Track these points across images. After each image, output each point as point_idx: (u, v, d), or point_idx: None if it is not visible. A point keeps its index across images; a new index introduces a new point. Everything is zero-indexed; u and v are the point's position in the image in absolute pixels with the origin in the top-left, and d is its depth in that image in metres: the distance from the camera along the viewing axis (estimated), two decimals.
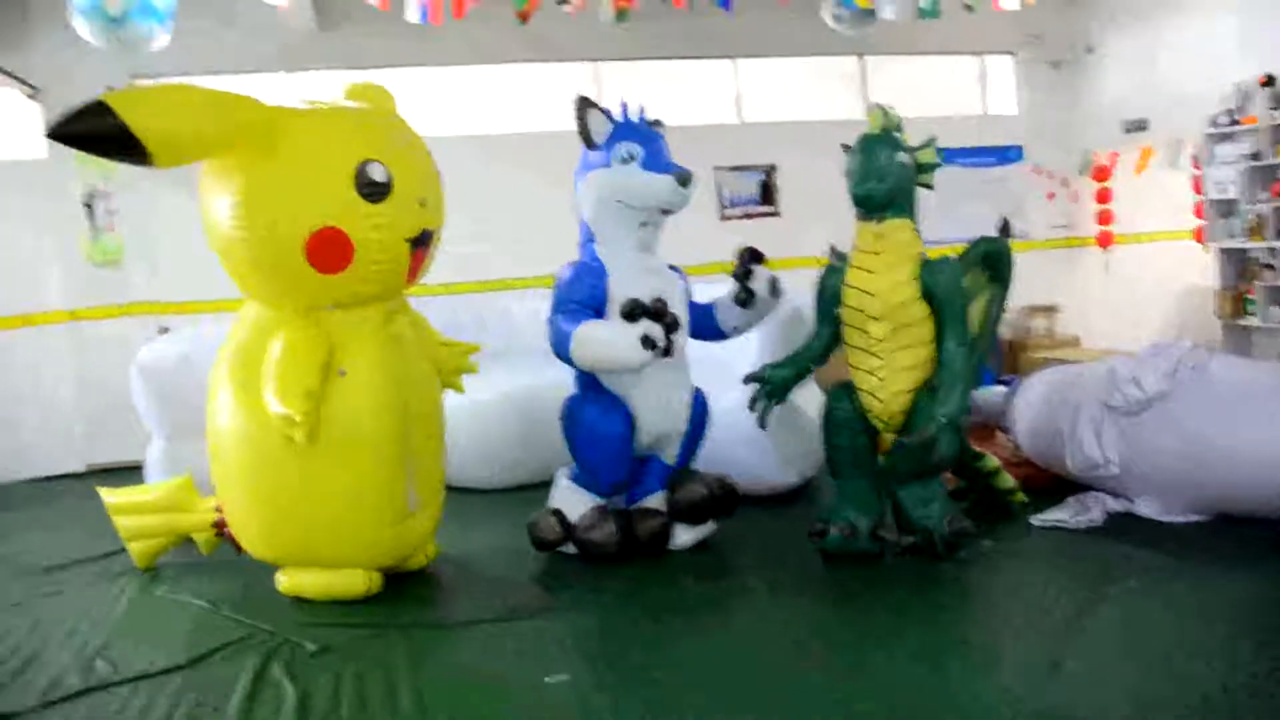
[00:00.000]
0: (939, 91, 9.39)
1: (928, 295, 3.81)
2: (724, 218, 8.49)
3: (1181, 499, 4.12)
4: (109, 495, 4.50)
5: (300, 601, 3.88)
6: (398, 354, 3.77)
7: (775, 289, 4.18)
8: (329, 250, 3.48)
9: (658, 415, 4.15)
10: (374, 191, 3.50)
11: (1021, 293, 8.67)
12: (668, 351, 3.88)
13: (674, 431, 4.21)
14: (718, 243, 8.23)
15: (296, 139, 3.51)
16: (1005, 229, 4.22)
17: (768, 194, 8.57)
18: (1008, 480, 4.52)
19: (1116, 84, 8.86)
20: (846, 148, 3.96)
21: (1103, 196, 8.99)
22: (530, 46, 7.78)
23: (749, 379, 4.18)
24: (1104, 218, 8.98)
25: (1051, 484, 4.61)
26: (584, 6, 6.17)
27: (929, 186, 3.97)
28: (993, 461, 4.51)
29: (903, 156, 3.85)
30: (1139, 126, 8.53)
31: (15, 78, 6.74)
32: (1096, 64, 9.09)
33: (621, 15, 6.36)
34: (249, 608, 3.86)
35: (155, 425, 5.08)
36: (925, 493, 3.91)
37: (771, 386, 4.13)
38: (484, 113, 8.19)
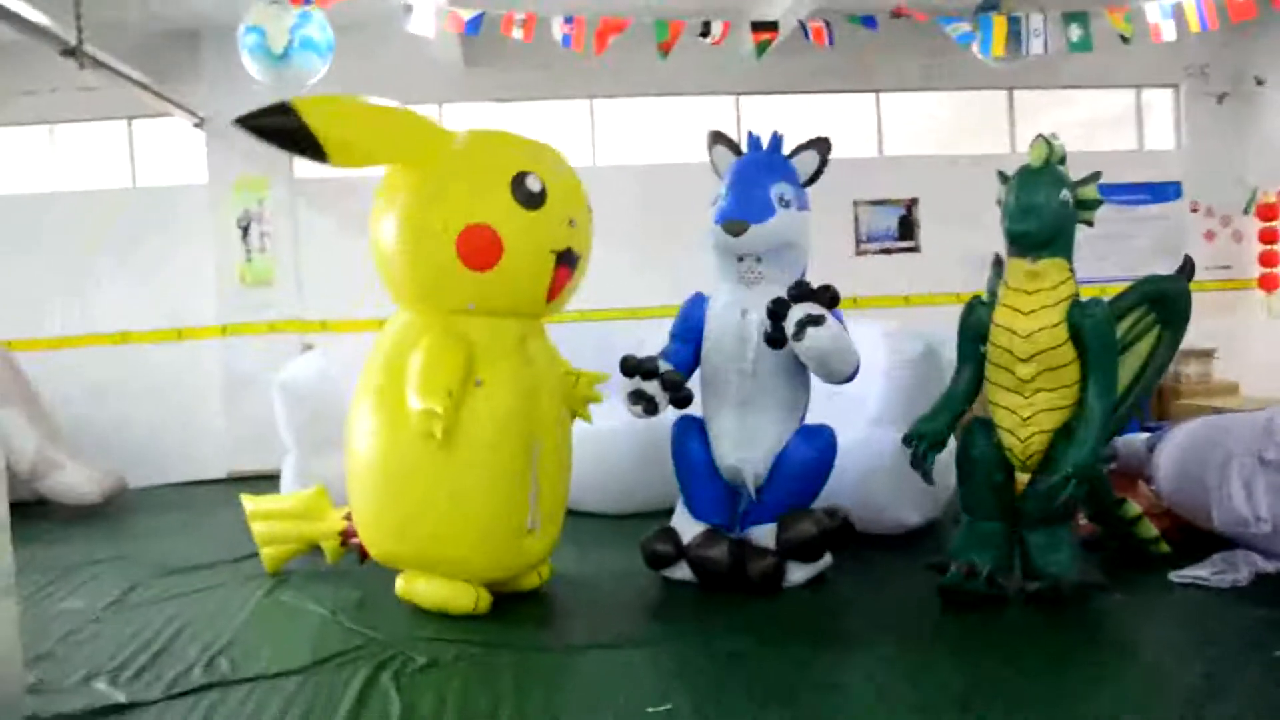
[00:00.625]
0: (1092, 126, 9.05)
1: (1075, 337, 3.68)
2: (860, 252, 8.35)
3: None
4: (248, 501, 4.72)
5: (414, 614, 3.95)
6: (531, 372, 3.89)
7: (800, 332, 3.80)
8: (479, 246, 3.70)
9: (730, 447, 4.13)
10: (529, 199, 3.74)
11: None
12: (652, 409, 4.05)
13: (751, 470, 4.11)
14: (853, 276, 8.15)
15: (462, 149, 3.86)
16: (1186, 268, 4.00)
17: (907, 229, 8.39)
18: (1150, 529, 4.29)
19: None
20: (1003, 176, 3.85)
21: (1268, 236, 8.49)
22: (672, 80, 7.86)
23: (906, 440, 4.05)
24: (1269, 259, 8.47)
25: (1194, 539, 4.32)
26: (723, 41, 6.17)
27: (1089, 224, 3.81)
28: (1134, 508, 4.30)
29: (1064, 193, 3.70)
30: None
31: (183, 108, 7.19)
32: (1265, 97, 8.60)
33: (762, 49, 6.35)
34: (365, 617, 3.96)
35: (292, 440, 5.29)
36: (1053, 539, 3.79)
37: (929, 441, 3.99)
38: (626, 143, 8.30)
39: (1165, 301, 3.93)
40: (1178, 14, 6.31)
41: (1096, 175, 3.81)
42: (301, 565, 4.70)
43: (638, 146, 8.27)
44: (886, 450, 4.61)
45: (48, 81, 7.24)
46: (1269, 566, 3.97)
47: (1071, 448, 3.62)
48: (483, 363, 3.76)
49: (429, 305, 3.91)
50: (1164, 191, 8.71)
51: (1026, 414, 3.77)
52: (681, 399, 4.13)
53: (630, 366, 4.10)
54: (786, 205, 4.10)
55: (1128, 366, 3.92)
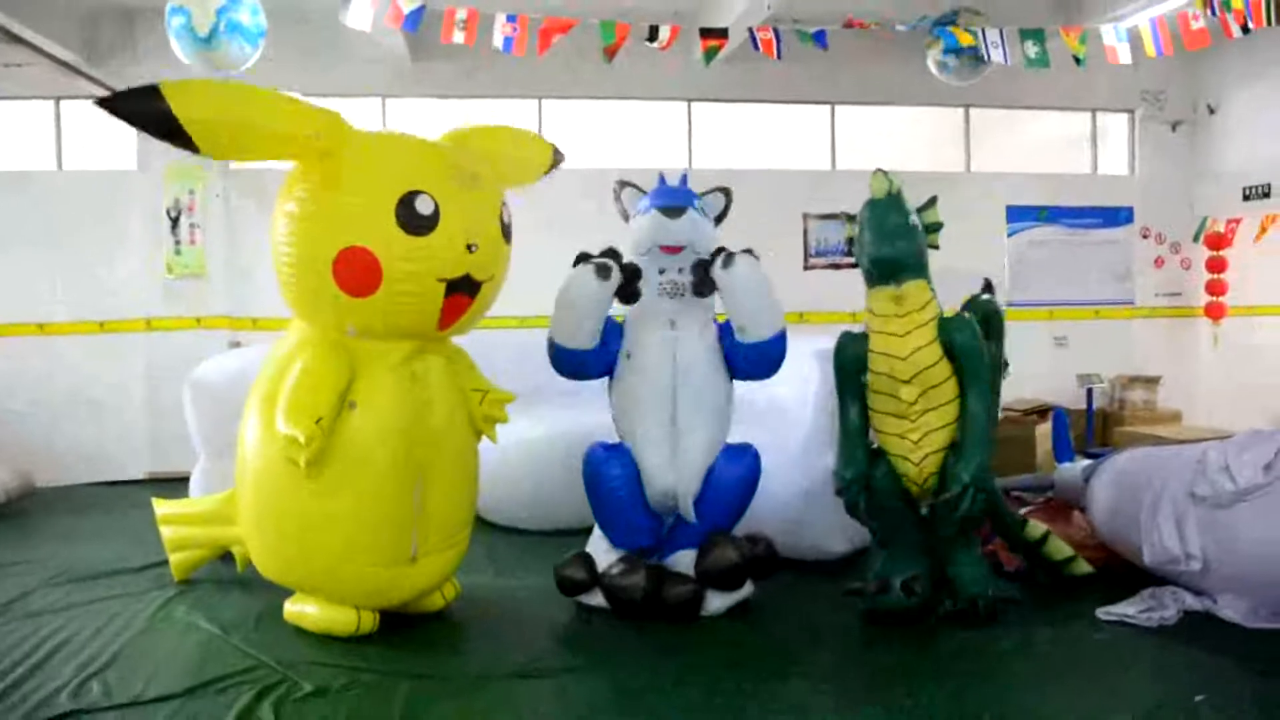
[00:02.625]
0: (1047, 148, 9.03)
1: (948, 353, 3.80)
2: (808, 266, 8.23)
3: (1269, 602, 3.71)
4: (159, 505, 4.56)
5: (310, 635, 3.76)
6: (414, 394, 3.64)
7: (729, 260, 3.94)
8: (356, 271, 3.43)
9: (661, 470, 3.98)
10: (414, 223, 3.43)
11: (1121, 361, 8.34)
12: (606, 273, 3.92)
13: (687, 490, 3.99)
14: (800, 292, 8.05)
15: (352, 158, 3.53)
16: (988, 287, 4.18)
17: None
18: (1062, 548, 4.24)
19: (1239, 147, 8.39)
20: (848, 216, 4.09)
21: (1216, 265, 8.49)
22: (624, 84, 7.72)
23: (839, 492, 4.01)
24: (1216, 288, 8.47)
25: (1125, 572, 4.23)
26: (669, 46, 6.01)
27: (935, 247, 3.96)
28: (1038, 529, 4.25)
29: (913, 218, 3.86)
30: (1261, 193, 8.03)
31: (112, 90, 6.90)
32: (1218, 125, 8.61)
33: (710, 56, 6.20)
34: (258, 637, 3.77)
35: (200, 442, 5.04)
36: (966, 558, 3.91)
37: (857, 485, 3.94)
38: (574, 146, 8.11)
39: (986, 319, 4.05)
40: (1134, 39, 6.27)
41: (934, 200, 3.98)
42: (207, 574, 4.52)
43: (586, 150, 8.09)
44: (816, 475, 4.49)
45: None
46: (1197, 605, 3.89)
47: (960, 461, 3.76)
48: (362, 381, 3.53)
49: (314, 323, 3.70)
50: (1116, 216, 8.69)
51: (916, 437, 3.83)
52: (634, 292, 4.05)
53: (588, 255, 4.02)
54: (707, 216, 4.13)
55: None
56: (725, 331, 4.08)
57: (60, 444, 7.06)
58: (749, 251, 4.01)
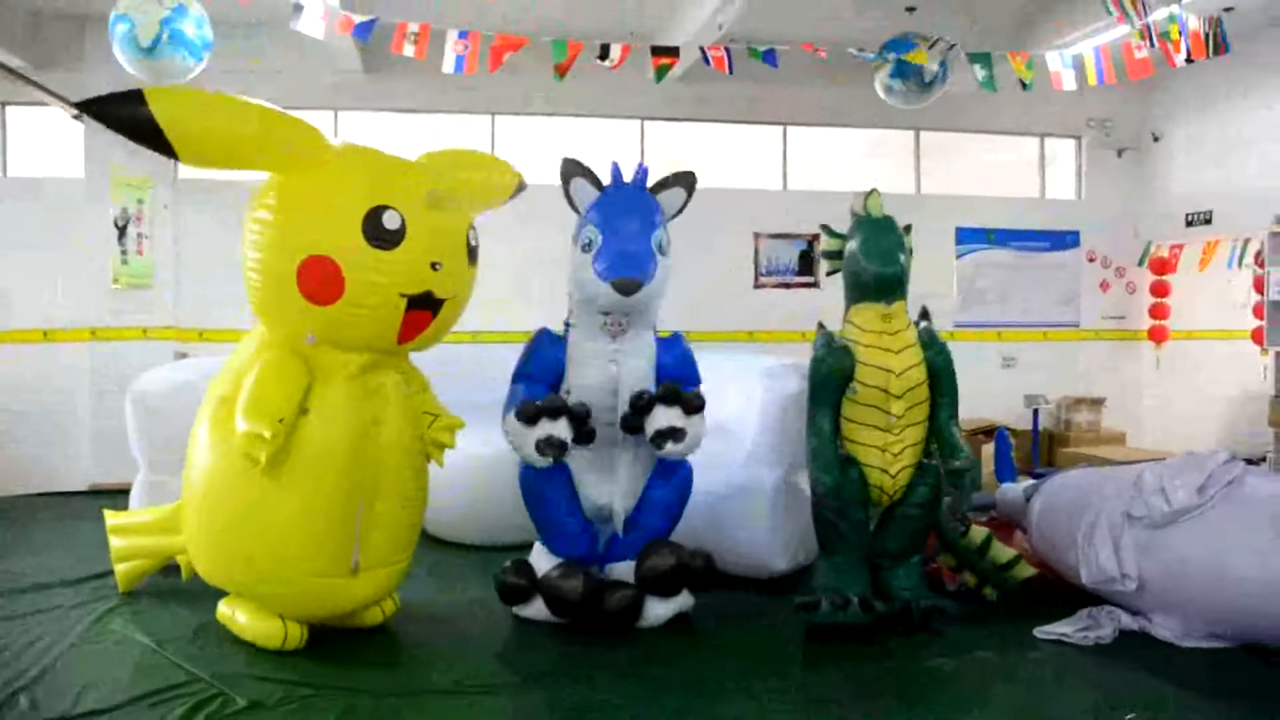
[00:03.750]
0: (996, 171, 9.18)
1: (930, 372, 3.97)
2: (759, 285, 8.29)
3: (1203, 621, 3.78)
4: (110, 516, 4.54)
5: (248, 648, 3.71)
6: (366, 408, 3.62)
7: (660, 443, 3.79)
8: (319, 279, 3.45)
9: (599, 486, 4.01)
10: (380, 237, 3.46)
11: (1066, 382, 8.48)
12: (562, 452, 3.79)
13: (620, 505, 4.01)
14: (749, 310, 8.11)
15: (326, 170, 3.57)
16: (924, 314, 4.24)
17: (807, 264, 8.36)
18: (1004, 551, 4.29)
19: (1182, 175, 8.59)
20: (828, 230, 4.15)
21: (1160, 290, 8.68)
22: (576, 101, 7.75)
23: (817, 500, 3.99)
24: (1159, 311, 8.65)
25: (1068, 590, 4.29)
26: (620, 66, 6.04)
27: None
28: (979, 533, 4.29)
29: (904, 239, 3.99)
30: (1204, 220, 8.21)
31: (60, 98, 6.84)
32: (1162, 153, 8.81)
33: (661, 73, 6.24)
34: (195, 650, 3.73)
35: (141, 454, 4.97)
36: (906, 568, 4.03)
37: (837, 491, 3.93)
38: (526, 162, 8.12)
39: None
40: (1079, 66, 6.39)
41: (909, 227, 4.07)
42: (148, 587, 4.46)
43: (539, 167, 8.09)
44: (762, 490, 4.52)
45: None
46: (1133, 624, 3.95)
47: (954, 449, 3.95)
48: (316, 389, 3.53)
49: (275, 329, 3.70)
50: (1063, 240, 8.85)
51: (897, 450, 3.92)
52: (589, 432, 3.91)
53: (532, 411, 3.77)
54: (663, 253, 3.90)
55: None
56: (663, 348, 4.05)
57: (2, 454, 6.92)
58: (694, 400, 3.83)
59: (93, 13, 6.97)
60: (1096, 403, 8.33)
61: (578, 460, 4.00)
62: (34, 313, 7.13)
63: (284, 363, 3.53)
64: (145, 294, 7.19)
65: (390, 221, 3.47)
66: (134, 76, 5.40)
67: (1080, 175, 9.08)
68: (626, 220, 3.88)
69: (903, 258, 3.92)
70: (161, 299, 7.25)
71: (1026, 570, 4.29)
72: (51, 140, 7.36)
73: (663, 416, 3.80)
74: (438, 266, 3.58)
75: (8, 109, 7.36)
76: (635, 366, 3.97)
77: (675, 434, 3.77)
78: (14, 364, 7.10)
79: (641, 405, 3.87)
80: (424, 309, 3.61)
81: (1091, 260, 8.89)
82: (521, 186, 4.37)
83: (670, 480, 4.04)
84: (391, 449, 3.69)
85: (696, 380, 4.06)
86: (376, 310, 3.54)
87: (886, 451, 3.92)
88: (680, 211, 4.10)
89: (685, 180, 4.08)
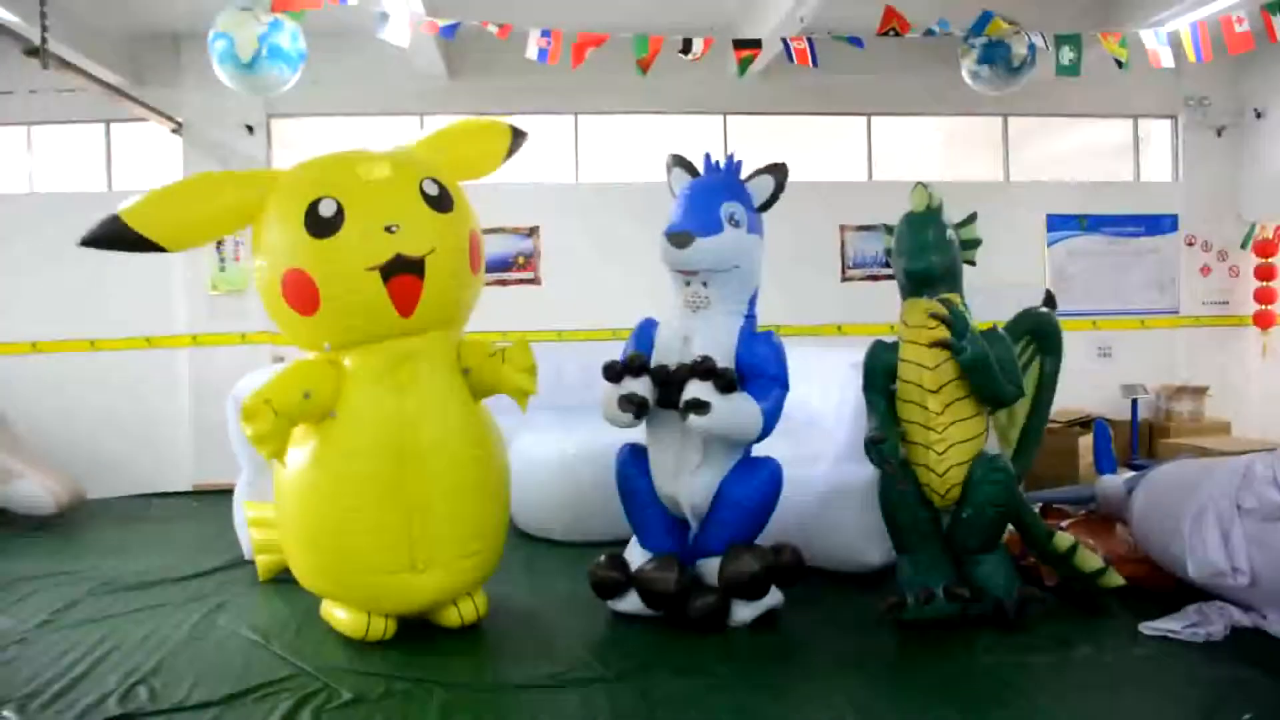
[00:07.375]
0: (1088, 155, 8.92)
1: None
2: (846, 278, 8.20)
3: None
4: (250, 508, 4.75)
5: (349, 644, 3.82)
6: (398, 406, 3.66)
7: (684, 415, 3.73)
8: (298, 291, 3.59)
9: (666, 478, 4.02)
10: (320, 227, 3.55)
11: (1167, 371, 8.21)
12: (642, 409, 3.85)
13: (687, 498, 3.98)
14: (838, 303, 8.03)
15: (276, 194, 3.71)
16: (1049, 300, 4.23)
17: None
18: (1092, 560, 4.12)
19: None
20: (888, 228, 4.08)
21: (1265, 273, 8.34)
22: (659, 97, 7.75)
23: (872, 442, 3.89)
24: (1265, 296, 8.32)
25: (1172, 587, 4.14)
26: (702, 58, 6.01)
27: (972, 263, 4.05)
28: (1066, 539, 4.13)
29: (950, 233, 3.92)
30: None
31: (161, 113, 7.09)
32: (1266, 130, 8.46)
33: (744, 67, 6.20)
34: (299, 645, 3.85)
35: (244, 454, 5.12)
36: (991, 563, 3.93)
37: (888, 439, 3.89)
38: (610, 160, 8.18)
39: (1039, 333, 4.14)
40: (1174, 43, 6.17)
41: (973, 216, 4.04)
42: (248, 583, 4.66)
43: (622, 164, 8.15)
44: (853, 487, 4.46)
45: (26, 83, 7.10)
46: (1245, 620, 3.79)
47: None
48: (345, 393, 3.65)
49: (302, 347, 3.92)
50: (1159, 224, 8.56)
51: (941, 449, 3.86)
52: (674, 399, 3.85)
53: (615, 369, 3.90)
54: (736, 225, 3.90)
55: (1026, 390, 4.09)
56: (749, 340, 3.97)
57: (109, 456, 7.21)
58: (724, 376, 3.75)
59: (188, 31, 7.21)
60: (1199, 391, 8.04)
61: (654, 447, 4.05)
62: (139, 321, 7.42)
63: (302, 363, 3.73)
64: (242, 300, 7.41)
65: (325, 209, 3.54)
66: (231, 89, 5.59)
67: (1177, 156, 8.77)
68: (698, 192, 4.02)
69: (942, 251, 3.84)
70: (258, 305, 7.42)
71: (1115, 579, 4.12)
72: (152, 154, 7.62)
73: (692, 389, 3.76)
74: (393, 229, 3.55)
75: (111, 126, 7.63)
76: (706, 349, 3.88)
77: (699, 406, 3.69)
78: (121, 369, 7.38)
79: (668, 378, 3.87)
80: (404, 273, 3.57)
81: (1191, 244, 8.58)
82: (518, 142, 4.29)
83: (751, 477, 3.96)
84: (436, 442, 3.71)
85: (779, 378, 3.95)
86: (353, 294, 3.57)
87: (931, 450, 3.87)
88: (772, 201, 4.08)
89: (775, 170, 4.07)
